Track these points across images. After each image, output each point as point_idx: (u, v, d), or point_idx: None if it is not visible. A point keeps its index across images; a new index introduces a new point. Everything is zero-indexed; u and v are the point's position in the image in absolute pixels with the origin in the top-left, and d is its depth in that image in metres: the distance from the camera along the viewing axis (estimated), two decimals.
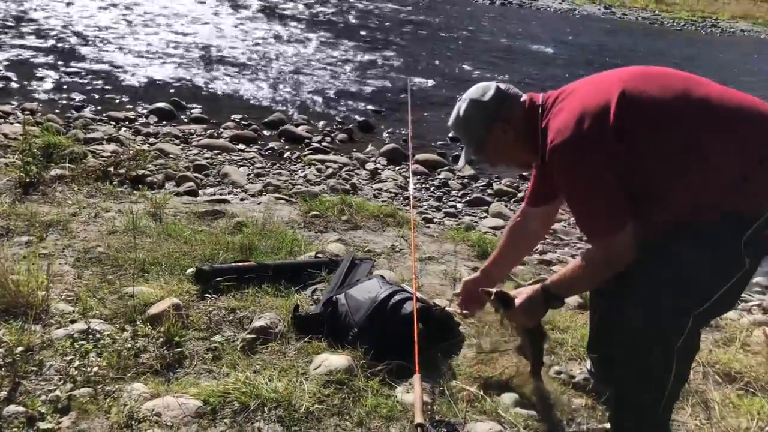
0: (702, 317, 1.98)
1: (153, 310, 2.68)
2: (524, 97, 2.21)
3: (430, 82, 10.13)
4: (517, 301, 2.19)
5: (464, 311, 2.70)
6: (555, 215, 2.61)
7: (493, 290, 2.29)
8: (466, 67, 11.54)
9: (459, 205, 5.57)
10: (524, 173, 2.41)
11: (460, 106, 2.23)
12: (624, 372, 2.07)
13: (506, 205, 5.66)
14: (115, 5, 13.00)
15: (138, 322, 2.62)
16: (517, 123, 2.16)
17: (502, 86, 2.21)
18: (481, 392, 2.44)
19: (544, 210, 2.49)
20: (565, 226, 5.27)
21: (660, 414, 2.12)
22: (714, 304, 1.93)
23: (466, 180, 6.20)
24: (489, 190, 6.01)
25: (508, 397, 2.43)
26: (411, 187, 3.95)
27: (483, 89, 2.21)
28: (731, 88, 2.02)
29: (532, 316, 2.24)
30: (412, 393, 2.33)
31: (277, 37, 11.99)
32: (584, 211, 1.98)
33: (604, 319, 2.37)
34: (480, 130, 2.19)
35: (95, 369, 2.28)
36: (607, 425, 2.31)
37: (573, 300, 3.47)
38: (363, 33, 13.62)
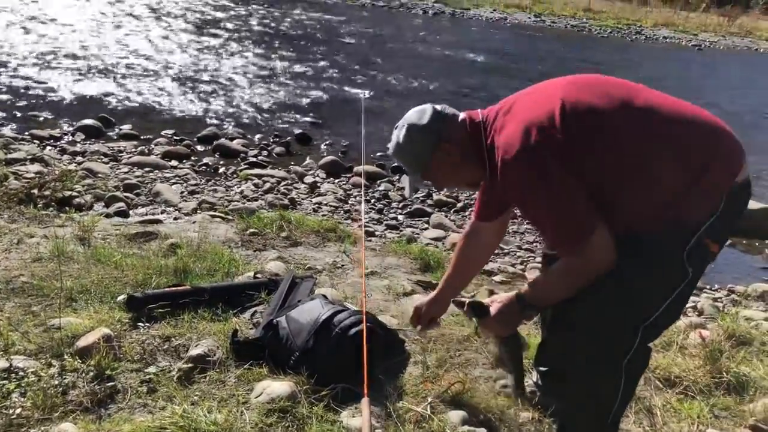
0: (649, 331, 1.98)
1: (82, 342, 2.54)
2: (462, 115, 2.17)
3: (368, 93, 10.11)
4: (492, 310, 2.15)
5: (421, 330, 2.72)
6: (506, 226, 2.60)
7: (466, 300, 2.25)
8: (402, 77, 11.58)
9: (400, 217, 5.54)
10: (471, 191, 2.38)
11: (399, 133, 2.17)
12: (570, 387, 2.05)
13: (446, 216, 5.66)
14: (34, 18, 12.51)
15: (66, 356, 2.47)
16: (460, 142, 2.12)
17: (438, 107, 2.17)
18: (428, 412, 2.40)
19: (495, 223, 2.48)
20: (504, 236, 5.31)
21: (606, 428, 2.12)
22: (660, 316, 1.93)
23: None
24: (429, 201, 6.00)
25: (455, 415, 2.39)
26: (362, 205, 3.90)
27: (419, 113, 2.16)
28: (669, 95, 2.03)
29: (507, 324, 2.19)
30: (358, 417, 2.27)
31: (210, 50, 11.77)
32: (551, 222, 1.93)
33: (550, 332, 2.37)
34: (424, 154, 2.14)
35: (18, 411, 2.13)
36: None
37: None
38: (298, 44, 13.52)
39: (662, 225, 1.89)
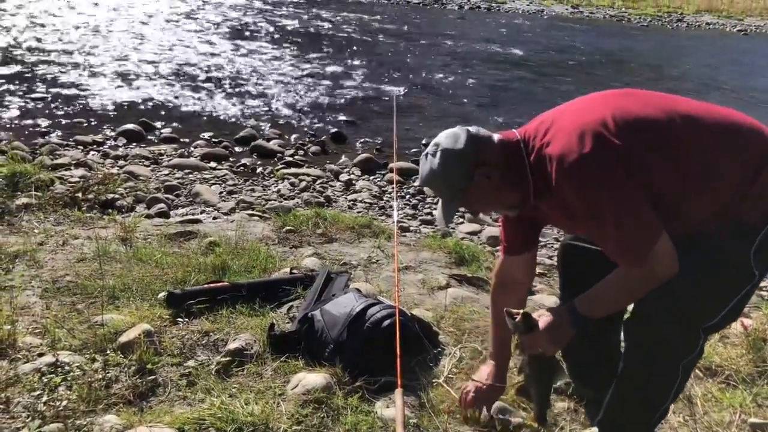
0: (710, 332, 1.96)
1: (124, 338, 2.62)
2: (496, 136, 2.06)
3: (402, 90, 10.13)
4: (541, 324, 2.00)
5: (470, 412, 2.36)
6: (536, 258, 2.45)
7: (520, 311, 2.05)
8: (437, 74, 11.57)
9: (435, 212, 5.54)
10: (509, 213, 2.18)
11: (433, 161, 2.01)
12: (625, 386, 2.04)
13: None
14: (79, 26, 12.87)
15: (109, 351, 2.55)
16: (499, 164, 2.00)
17: (472, 129, 2.04)
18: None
19: (525, 256, 2.33)
20: None
21: (653, 423, 2.10)
22: (723, 318, 1.90)
23: None
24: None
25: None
26: (395, 201, 3.93)
27: (453, 138, 2.01)
28: (700, 101, 2.02)
29: (556, 339, 2.02)
30: (392, 408, 2.29)
31: (246, 53, 11.93)
32: (614, 232, 1.82)
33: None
34: (461, 180, 2.00)
35: (65, 403, 2.21)
36: (594, 429, 2.28)
37: (551, 301, 3.46)
38: (332, 44, 13.61)
39: (727, 226, 1.87)
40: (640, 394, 2.02)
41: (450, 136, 2.03)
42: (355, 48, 13.38)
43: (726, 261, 1.85)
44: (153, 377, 2.43)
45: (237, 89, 9.38)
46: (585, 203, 1.85)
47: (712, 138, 1.88)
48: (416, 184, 6.21)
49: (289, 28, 15.29)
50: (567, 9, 25.39)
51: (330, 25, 16.13)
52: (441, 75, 11.45)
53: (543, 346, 2.04)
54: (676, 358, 1.92)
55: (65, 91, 8.50)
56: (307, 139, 7.44)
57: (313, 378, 2.43)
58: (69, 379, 2.35)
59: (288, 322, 2.93)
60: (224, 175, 5.93)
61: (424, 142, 7.56)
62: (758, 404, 2.64)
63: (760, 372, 2.82)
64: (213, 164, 6.27)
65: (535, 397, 2.24)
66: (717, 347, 3.03)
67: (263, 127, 7.78)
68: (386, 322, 2.58)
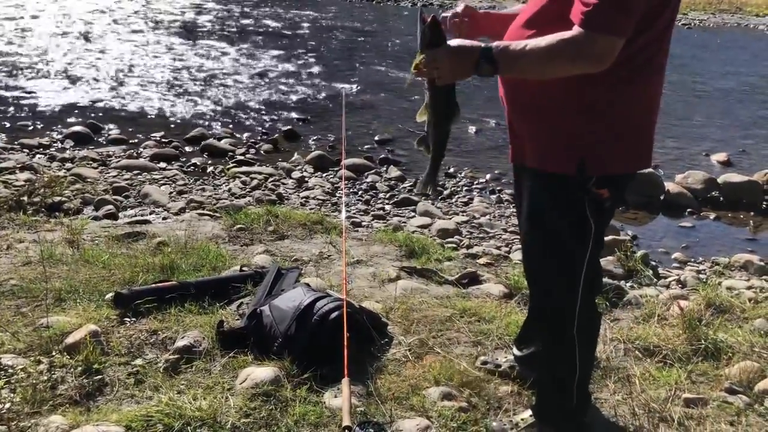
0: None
1: (70, 339, 2.60)
2: None
3: (355, 88, 10.16)
4: (451, 43, 1.93)
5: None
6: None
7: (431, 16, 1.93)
8: (388, 70, 11.62)
9: (387, 207, 5.60)
10: None
11: None
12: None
13: (433, 203, 5.72)
14: (22, 28, 12.55)
15: (54, 353, 2.53)
16: None
17: None
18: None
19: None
20: (489, 220, 5.37)
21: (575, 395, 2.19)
22: None
23: (393, 182, 6.24)
24: (416, 190, 6.06)
25: (434, 391, 2.46)
26: (343, 196, 3.96)
27: None
28: None
29: (457, 64, 1.91)
30: (340, 398, 2.33)
31: (196, 52, 11.81)
32: None
33: None
34: None
35: (8, 405, 2.19)
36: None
37: (498, 289, 3.55)
38: (285, 41, 13.55)
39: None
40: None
41: None
42: (307, 45, 13.34)
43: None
44: (100, 377, 2.43)
45: (188, 88, 9.29)
46: None
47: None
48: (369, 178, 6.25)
49: (240, 26, 15.16)
50: (521, 5, 25.78)
51: (283, 23, 16.05)
52: (394, 71, 11.51)
53: (441, 66, 1.92)
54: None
55: (9, 94, 8.30)
56: (259, 138, 7.42)
57: (261, 372, 2.45)
58: (12, 381, 2.32)
59: (238, 319, 2.94)
60: (174, 176, 5.88)
61: (376, 138, 7.61)
62: (692, 381, 2.76)
63: (695, 350, 2.94)
64: (163, 164, 6.21)
65: (432, 146, 2.13)
66: (656, 329, 3.15)
67: (214, 126, 7.73)
68: (334, 314, 2.62)
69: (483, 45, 1.89)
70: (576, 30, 1.77)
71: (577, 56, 1.78)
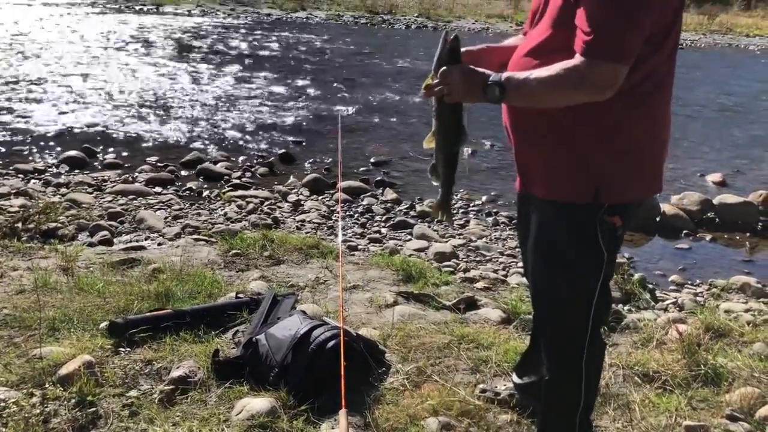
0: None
1: (63, 370, 2.57)
2: None
3: (350, 110, 10.19)
4: (465, 61, 2.00)
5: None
6: None
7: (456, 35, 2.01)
8: (383, 92, 11.67)
9: (383, 230, 5.59)
10: None
11: None
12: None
13: (429, 226, 5.71)
14: (19, 52, 12.58)
15: (47, 385, 2.50)
16: None
17: None
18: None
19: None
20: (486, 243, 5.36)
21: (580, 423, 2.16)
22: None
23: (389, 204, 6.23)
24: (412, 213, 6.05)
25: (433, 422, 2.43)
26: (340, 220, 3.95)
27: None
28: None
29: (468, 82, 1.94)
30: (337, 429, 2.30)
31: (193, 76, 11.84)
32: (605, 22, 1.76)
33: None
34: None
35: None
36: None
37: (496, 314, 3.52)
38: (281, 65, 13.61)
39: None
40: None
41: None
42: (303, 68, 13.41)
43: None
44: (93, 409, 2.40)
45: (184, 112, 9.30)
46: None
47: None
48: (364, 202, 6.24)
49: (236, 50, 15.23)
50: (512, 26, 25.95)
51: (278, 47, 16.14)
52: (389, 93, 11.55)
53: (452, 83, 1.95)
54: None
55: (4, 119, 8.30)
56: (254, 161, 7.41)
57: (257, 403, 2.42)
58: (4, 416, 2.29)
59: (233, 348, 2.92)
60: (169, 200, 5.86)
61: (372, 160, 7.62)
62: (693, 407, 2.74)
63: (694, 376, 2.92)
64: (158, 189, 6.19)
65: (441, 171, 2.15)
66: (654, 354, 3.13)
67: (210, 150, 7.73)
68: (331, 343, 2.60)
69: (498, 72, 1.92)
70: (578, 59, 1.79)
71: (580, 84, 1.80)
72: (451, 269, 4.59)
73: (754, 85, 15.13)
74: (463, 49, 2.11)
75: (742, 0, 31.61)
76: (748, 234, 5.99)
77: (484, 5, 28.62)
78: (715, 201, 6.41)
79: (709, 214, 6.26)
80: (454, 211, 6.20)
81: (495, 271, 4.64)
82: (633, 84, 1.83)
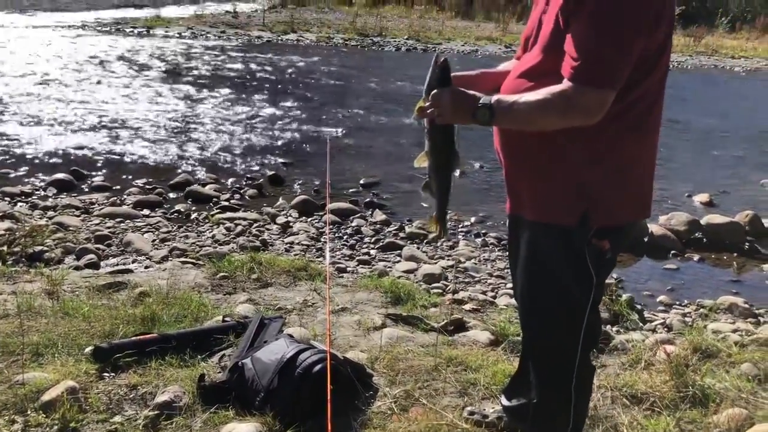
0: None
1: (46, 396, 2.54)
2: None
3: (340, 131, 10.22)
4: (455, 84, 2.02)
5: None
6: None
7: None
8: (373, 114, 11.72)
9: (372, 252, 5.58)
10: None
11: None
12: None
13: (418, 248, 5.71)
14: (4, 74, 12.57)
15: (30, 412, 2.47)
16: None
17: None
18: None
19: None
20: (475, 264, 5.36)
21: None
22: None
23: (378, 226, 6.23)
24: (401, 234, 6.05)
25: None
26: (327, 242, 3.95)
27: None
28: None
29: (457, 104, 1.96)
30: None
31: (181, 97, 11.85)
32: (593, 47, 1.78)
33: None
34: None
35: None
36: None
37: (484, 336, 3.52)
38: (270, 87, 13.65)
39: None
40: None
41: None
42: (292, 90, 13.45)
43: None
44: None
45: (172, 134, 9.29)
46: (596, 6, 1.78)
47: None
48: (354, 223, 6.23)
49: (226, 71, 15.27)
50: (500, 48, 26.17)
51: (268, 68, 16.20)
52: (378, 115, 11.60)
53: (443, 105, 1.97)
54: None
55: None
56: (243, 183, 7.40)
57: (243, 428, 2.41)
58: None
59: (220, 372, 2.89)
60: (157, 223, 5.84)
61: (361, 182, 7.63)
62: (681, 429, 2.74)
63: (682, 397, 2.92)
64: (146, 211, 6.17)
65: (435, 191, 2.20)
66: (642, 375, 3.13)
67: (198, 172, 7.71)
68: (317, 367, 2.58)
69: (487, 95, 1.95)
70: (566, 84, 1.81)
71: (567, 109, 1.82)
72: (440, 291, 4.58)
73: (740, 105, 15.31)
74: (460, 74, 2.14)
75: (727, 22, 32.04)
76: (735, 254, 6.02)
77: (473, 28, 28.86)
78: (703, 221, 6.45)
79: (696, 234, 6.29)
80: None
81: (484, 293, 4.63)
82: (626, 106, 1.85)
